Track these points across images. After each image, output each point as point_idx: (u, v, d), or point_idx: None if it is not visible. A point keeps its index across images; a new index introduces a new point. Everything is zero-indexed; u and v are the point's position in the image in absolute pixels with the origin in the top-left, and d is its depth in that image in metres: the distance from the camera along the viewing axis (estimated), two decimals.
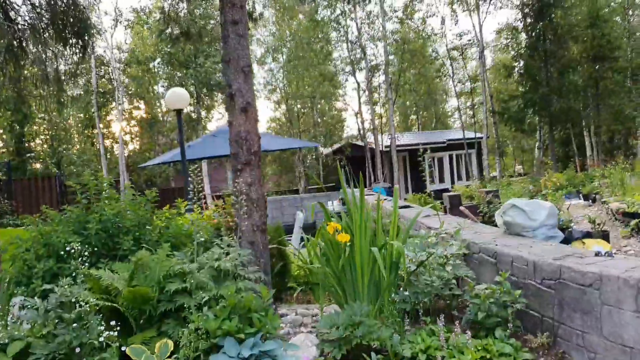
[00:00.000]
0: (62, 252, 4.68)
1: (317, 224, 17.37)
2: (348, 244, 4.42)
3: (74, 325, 3.92)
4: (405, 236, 4.78)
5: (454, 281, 4.80)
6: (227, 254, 4.53)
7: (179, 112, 8.70)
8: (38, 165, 27.95)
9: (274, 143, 14.11)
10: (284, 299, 6.61)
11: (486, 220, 7.75)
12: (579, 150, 26.77)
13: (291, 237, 11.57)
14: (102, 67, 23.57)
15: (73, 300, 4.00)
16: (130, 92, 27.65)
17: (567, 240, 5.61)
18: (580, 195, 12.97)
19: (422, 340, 4.15)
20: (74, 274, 4.36)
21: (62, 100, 17.93)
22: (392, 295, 4.62)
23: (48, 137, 28.16)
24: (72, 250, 4.26)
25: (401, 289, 4.61)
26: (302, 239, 10.59)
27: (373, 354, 3.96)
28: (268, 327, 4.07)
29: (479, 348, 4.03)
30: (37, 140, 28.25)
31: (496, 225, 7.51)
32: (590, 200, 11.78)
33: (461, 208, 6.68)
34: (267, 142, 13.10)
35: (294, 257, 7.25)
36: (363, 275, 4.46)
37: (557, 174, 14.60)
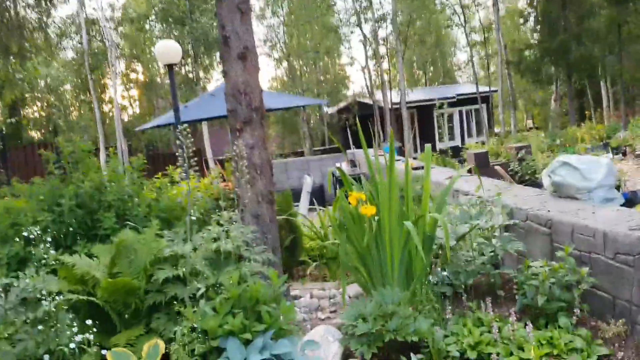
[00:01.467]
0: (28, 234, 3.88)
1: (324, 187, 16.59)
2: (376, 217, 3.61)
3: (39, 327, 3.16)
4: (441, 204, 3.96)
5: (499, 257, 4.00)
6: (227, 232, 3.73)
7: (170, 67, 7.79)
8: (35, 134, 27.09)
9: (276, 101, 13.18)
10: (295, 275, 5.85)
11: (519, 181, 6.92)
12: (595, 102, 25.67)
13: (298, 204, 10.80)
14: (94, 26, 22.41)
15: (39, 295, 3.23)
16: (124, 53, 26.55)
17: (630, 203, 4.78)
18: (609, 148, 12.09)
19: (469, 332, 3.37)
20: (44, 261, 3.57)
21: (26, 52, 17.07)
22: (428, 276, 3.83)
23: (44, 103, 27.21)
24: (36, 232, 3.41)
25: (439, 268, 3.81)
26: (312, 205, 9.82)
27: (412, 355, 3.19)
28: (280, 322, 3.30)
29: (543, 342, 3.25)
30: (34, 107, 27.33)
31: (535, 186, 6.67)
32: (622, 154, 10.90)
33: (496, 167, 5.84)
34: (269, 100, 12.17)
35: (305, 228, 6.48)
36: (393, 255, 3.65)
37: (599, 125, 13.59)
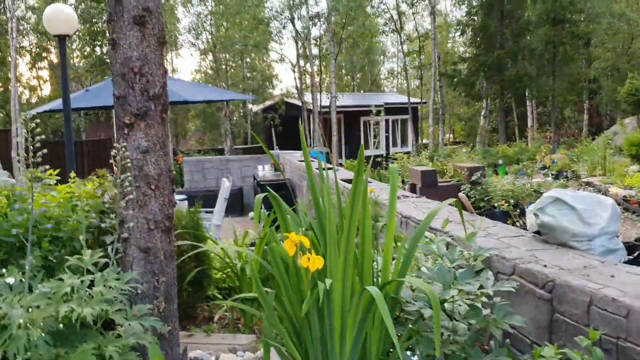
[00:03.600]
0: None
1: (245, 190, 15.23)
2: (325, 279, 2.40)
3: None
4: (410, 252, 2.79)
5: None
6: (92, 283, 2.39)
7: (62, 39, 6.23)
8: None
9: (197, 93, 11.73)
10: (200, 316, 4.53)
11: (473, 208, 5.95)
12: (519, 121, 25.79)
13: (212, 210, 9.43)
14: None
15: None
16: (33, 28, 24.01)
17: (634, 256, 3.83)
18: (546, 171, 11.54)
19: None
20: None
21: None
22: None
23: None
24: None
25: (407, 349, 2.64)
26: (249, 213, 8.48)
27: None
28: None
29: None
30: None
31: (494, 217, 5.70)
32: (563, 179, 10.29)
33: (460, 195, 4.80)
34: (189, 90, 10.73)
35: (216, 247, 5.17)
36: (344, 332, 2.44)
37: (561, 151, 12.97)
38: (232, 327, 4.29)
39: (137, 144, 3.03)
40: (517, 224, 5.60)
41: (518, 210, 5.72)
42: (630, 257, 3.77)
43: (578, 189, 6.87)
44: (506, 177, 7.77)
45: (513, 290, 2.68)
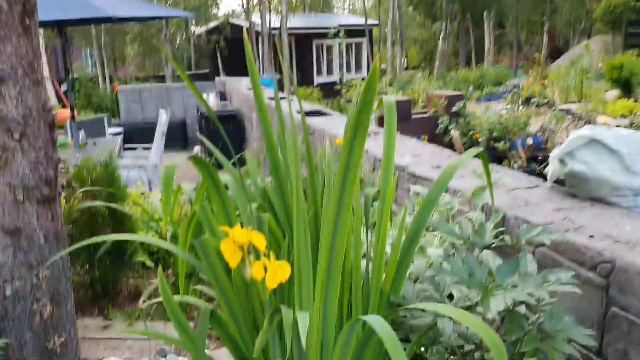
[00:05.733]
0: None
1: (187, 123, 13.93)
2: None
3: None
4: (417, 232, 1.84)
5: None
6: None
7: None
8: None
9: (128, 8, 10.17)
10: (123, 294, 3.54)
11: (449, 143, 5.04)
12: (476, 45, 24.84)
13: (150, 146, 8.27)
14: None
15: None
16: None
17: None
18: (508, 96, 10.71)
19: None
20: None
21: None
22: None
23: None
24: None
25: None
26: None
27: None
28: None
29: None
30: None
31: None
32: (535, 106, 9.48)
33: (453, 133, 3.84)
34: (118, 6, 9.22)
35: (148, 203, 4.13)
36: None
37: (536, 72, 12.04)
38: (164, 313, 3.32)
39: None
40: (514, 165, 4.76)
41: (508, 145, 4.86)
42: None
43: (563, 121, 6.07)
44: (490, 108, 6.94)
45: (577, 291, 1.77)
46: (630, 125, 5.78)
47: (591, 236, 2.27)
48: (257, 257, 1.33)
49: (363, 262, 2.00)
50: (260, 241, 1.27)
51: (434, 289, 1.89)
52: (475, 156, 2.00)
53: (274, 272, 1.30)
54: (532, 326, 1.81)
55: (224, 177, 1.96)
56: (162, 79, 22.26)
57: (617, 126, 6.21)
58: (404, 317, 1.99)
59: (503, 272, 1.71)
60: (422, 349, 1.81)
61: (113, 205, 3.13)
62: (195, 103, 13.23)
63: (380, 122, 6.49)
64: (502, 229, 2.48)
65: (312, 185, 1.79)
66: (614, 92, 8.83)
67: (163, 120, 8.23)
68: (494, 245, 1.97)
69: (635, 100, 8.20)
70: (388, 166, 1.92)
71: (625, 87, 9.02)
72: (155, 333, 2.42)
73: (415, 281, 2.07)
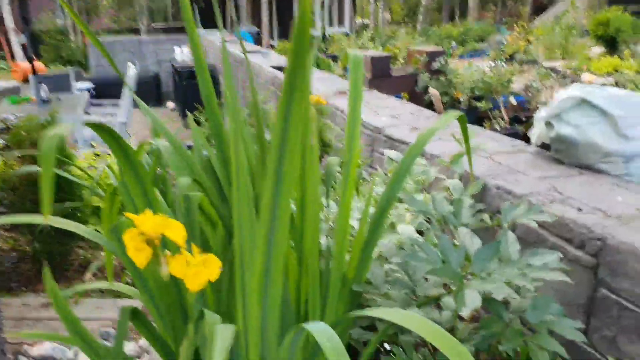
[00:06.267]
0: None
1: (161, 78, 13.43)
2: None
3: None
4: (385, 207, 1.59)
5: None
6: None
7: None
8: None
9: None
10: (74, 267, 3.28)
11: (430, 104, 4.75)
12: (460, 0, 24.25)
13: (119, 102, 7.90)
14: None
15: None
16: None
17: None
18: (490, 52, 10.41)
19: None
20: None
21: None
22: None
23: None
24: None
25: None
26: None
27: None
28: None
29: None
30: None
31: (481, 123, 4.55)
32: (518, 63, 9.20)
33: (432, 90, 3.56)
34: None
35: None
36: None
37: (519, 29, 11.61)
38: (116, 280, 3.08)
39: None
40: (497, 127, 4.50)
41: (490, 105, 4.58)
42: None
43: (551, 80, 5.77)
44: (473, 64, 6.64)
45: (567, 280, 1.54)
46: (616, 84, 5.54)
47: (580, 209, 2.05)
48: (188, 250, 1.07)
49: (325, 242, 1.77)
50: (177, 233, 1.00)
51: (404, 273, 1.66)
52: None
53: (197, 270, 1.04)
54: (512, 315, 1.59)
55: (163, 144, 1.69)
56: (137, 32, 21.47)
57: (603, 84, 5.97)
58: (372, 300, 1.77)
59: (481, 257, 1.47)
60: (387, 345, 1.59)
61: (55, 170, 2.83)
62: (170, 57, 12.73)
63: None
64: (481, 206, 2.24)
65: (262, 155, 1.52)
66: (599, 49, 8.55)
67: (132, 74, 7.84)
68: (471, 225, 1.72)
69: (620, 58, 7.96)
70: (353, 128, 1.65)
71: (611, 44, 8.76)
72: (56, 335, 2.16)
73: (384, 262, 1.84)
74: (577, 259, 1.95)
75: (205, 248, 1.45)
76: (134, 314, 1.30)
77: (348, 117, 1.65)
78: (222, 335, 0.89)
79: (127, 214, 1.02)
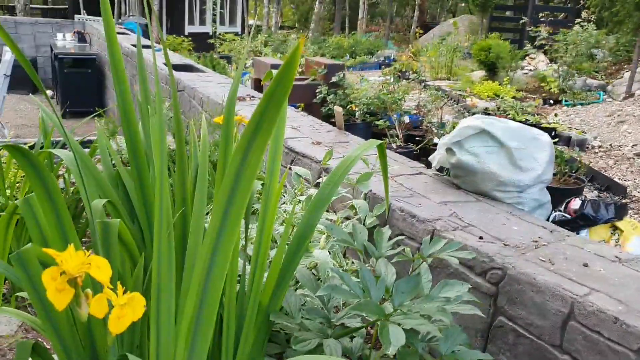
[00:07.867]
0: None
1: (38, 63, 12.47)
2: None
3: None
4: (304, 237, 1.55)
5: None
6: None
7: None
8: None
9: None
10: None
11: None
12: (351, 11, 24.93)
13: None
14: None
15: None
16: None
17: (575, 221, 2.96)
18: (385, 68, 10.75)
19: None
20: None
21: None
22: None
23: None
24: None
25: None
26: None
27: None
28: None
29: None
30: None
31: (354, 131, 4.62)
32: (405, 80, 9.54)
33: (336, 108, 3.57)
34: None
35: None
36: None
37: (415, 48, 11.92)
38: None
39: None
40: (394, 145, 4.62)
41: (383, 121, 4.70)
42: (561, 213, 2.93)
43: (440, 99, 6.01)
44: (364, 78, 6.80)
45: (478, 313, 1.59)
46: (498, 109, 5.94)
47: (481, 237, 2.14)
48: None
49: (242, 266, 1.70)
50: (103, 272, 0.90)
51: (319, 300, 1.63)
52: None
53: (121, 312, 0.94)
54: (423, 343, 1.61)
55: (65, 154, 1.54)
56: (11, 11, 19.80)
57: (486, 108, 6.35)
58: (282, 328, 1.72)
59: (401, 291, 1.47)
60: None
61: None
62: (50, 41, 11.85)
63: (257, 84, 6.08)
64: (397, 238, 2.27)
65: (182, 175, 1.42)
66: (480, 73, 9.13)
67: (7, 58, 7.19)
68: (391, 256, 1.73)
69: (499, 83, 8.54)
70: (275, 151, 1.60)
71: (491, 69, 9.38)
72: None
73: (296, 288, 1.80)
74: (478, 286, 2.03)
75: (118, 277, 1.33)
76: (35, 350, 1.15)
77: (271, 142, 1.60)
78: None
79: (48, 250, 0.89)
